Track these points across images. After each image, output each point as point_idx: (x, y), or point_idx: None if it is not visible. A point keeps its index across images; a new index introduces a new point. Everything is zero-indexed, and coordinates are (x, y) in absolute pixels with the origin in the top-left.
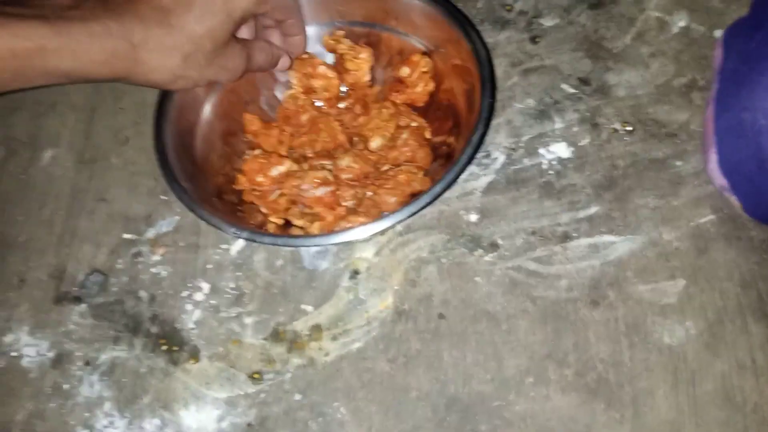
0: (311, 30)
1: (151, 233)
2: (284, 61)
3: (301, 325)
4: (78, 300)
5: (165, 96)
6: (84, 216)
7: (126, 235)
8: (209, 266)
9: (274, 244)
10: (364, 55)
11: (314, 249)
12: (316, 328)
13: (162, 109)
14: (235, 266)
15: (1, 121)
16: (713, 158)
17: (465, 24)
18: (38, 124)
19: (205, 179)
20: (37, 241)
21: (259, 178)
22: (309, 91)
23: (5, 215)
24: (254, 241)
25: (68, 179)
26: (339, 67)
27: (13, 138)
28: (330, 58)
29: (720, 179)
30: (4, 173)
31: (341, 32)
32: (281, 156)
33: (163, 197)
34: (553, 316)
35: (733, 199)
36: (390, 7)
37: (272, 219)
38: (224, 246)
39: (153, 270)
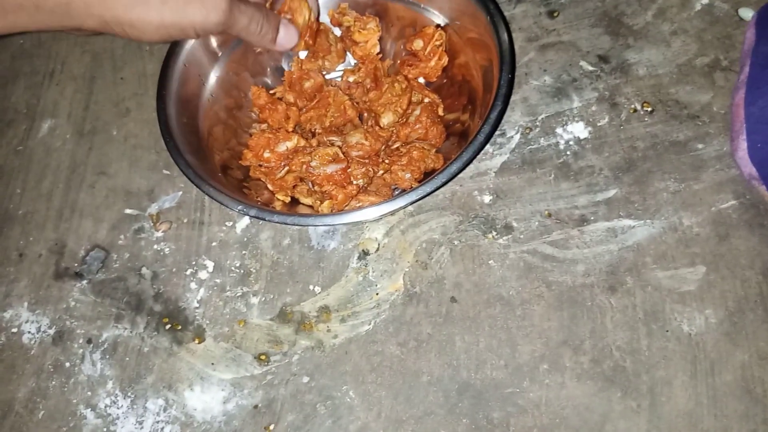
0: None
1: (153, 209)
2: (283, 39)
3: (308, 306)
4: (79, 276)
5: (168, 66)
6: (84, 190)
7: (127, 211)
8: (214, 244)
9: (282, 223)
10: (372, 25)
11: (322, 228)
12: (325, 310)
13: (165, 79)
14: (241, 244)
15: None
16: (743, 145)
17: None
18: (36, 94)
19: (209, 154)
20: (36, 215)
21: (266, 154)
22: (318, 55)
23: (3, 188)
24: (262, 219)
25: (67, 151)
26: (347, 40)
27: (10, 108)
28: (337, 33)
29: (749, 167)
30: (2, 145)
31: (345, 4)
32: (289, 131)
33: (165, 171)
34: (569, 302)
35: (762, 189)
36: None
37: (279, 196)
38: (229, 223)
39: (156, 247)
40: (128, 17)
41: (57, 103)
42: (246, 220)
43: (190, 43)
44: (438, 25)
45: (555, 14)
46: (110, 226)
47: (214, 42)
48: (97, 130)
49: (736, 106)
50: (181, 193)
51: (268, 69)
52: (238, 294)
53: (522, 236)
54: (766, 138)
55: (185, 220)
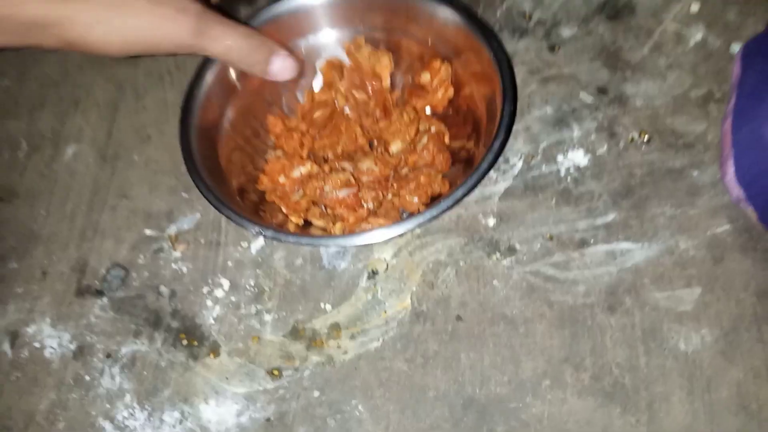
0: (332, 36)
1: (172, 230)
2: (278, 70)
3: (320, 324)
4: (99, 293)
5: (190, 97)
6: (106, 212)
7: (147, 231)
8: (229, 264)
9: (296, 243)
10: (385, 60)
11: (333, 249)
12: (335, 327)
13: (187, 109)
14: (255, 264)
15: (26, 117)
16: (730, 170)
17: (485, 32)
18: (61, 120)
19: (227, 178)
20: (60, 236)
21: (281, 179)
22: (332, 86)
23: (29, 209)
24: (277, 239)
25: (90, 175)
26: (359, 72)
27: (36, 134)
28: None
29: (737, 190)
30: (28, 168)
31: (362, 37)
32: (303, 158)
33: (184, 195)
34: (570, 321)
35: (750, 210)
36: (410, 14)
37: (293, 219)
38: (244, 244)
39: (174, 266)
40: (90, 39)
41: (81, 129)
42: (260, 241)
43: (211, 76)
44: (444, 59)
45: (556, 49)
46: (130, 246)
47: (233, 74)
48: (119, 156)
49: (724, 133)
50: (198, 215)
51: (284, 99)
52: (252, 312)
53: (525, 258)
54: (751, 161)
55: (202, 241)
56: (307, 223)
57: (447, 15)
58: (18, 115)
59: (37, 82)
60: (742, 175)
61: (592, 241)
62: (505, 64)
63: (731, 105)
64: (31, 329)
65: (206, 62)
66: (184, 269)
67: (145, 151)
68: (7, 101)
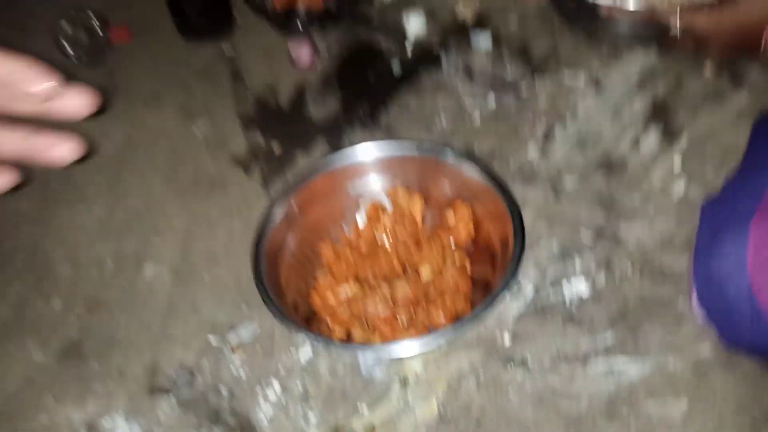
0: (376, 182)
1: (233, 339)
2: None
3: (357, 424)
4: (168, 392)
5: (262, 231)
6: (177, 322)
7: (212, 340)
8: (281, 369)
9: (343, 351)
10: (417, 202)
11: (371, 358)
12: (371, 428)
13: (259, 239)
14: (303, 370)
15: (113, 241)
16: (694, 296)
17: (498, 182)
18: (144, 242)
19: (285, 294)
20: (136, 341)
21: (330, 297)
22: (374, 223)
23: (111, 318)
24: (326, 348)
25: (165, 292)
26: (397, 212)
27: (122, 254)
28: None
29: (700, 314)
30: (113, 283)
31: (400, 186)
32: (348, 280)
33: (245, 310)
34: (575, 427)
35: (714, 332)
36: (438, 167)
37: (337, 331)
38: (294, 352)
39: (233, 370)
40: None
41: (160, 251)
42: (308, 350)
43: (279, 210)
44: (466, 203)
45: (560, 195)
46: (197, 352)
47: (295, 207)
48: (191, 275)
49: (689, 266)
50: (257, 327)
51: (333, 230)
52: (300, 412)
53: (536, 371)
54: (706, 290)
55: (258, 349)
56: (349, 336)
57: (468, 168)
58: (106, 238)
59: (124, 211)
60: (701, 301)
61: (593, 357)
62: (515, 209)
63: (694, 244)
64: (107, 423)
65: (276, 200)
66: (242, 373)
67: (213, 271)
68: (98, 227)
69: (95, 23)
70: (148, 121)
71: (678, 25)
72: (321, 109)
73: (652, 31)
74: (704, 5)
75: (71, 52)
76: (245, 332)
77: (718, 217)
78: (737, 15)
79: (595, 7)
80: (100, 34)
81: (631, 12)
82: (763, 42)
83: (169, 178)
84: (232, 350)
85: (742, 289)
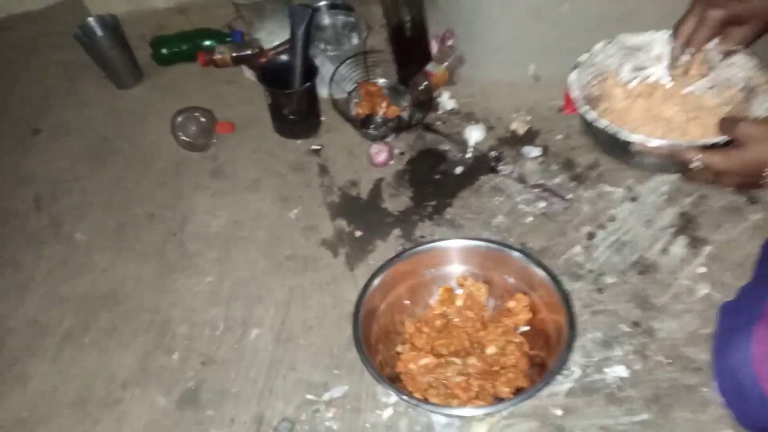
0: (450, 270)
1: (326, 397)
2: None
3: None
4: None
5: (359, 305)
6: (279, 379)
7: (308, 396)
8: (367, 425)
9: (432, 411)
10: (483, 289)
11: (444, 420)
12: None
13: (357, 313)
14: (386, 427)
15: (223, 306)
16: (716, 384)
17: (553, 276)
18: (249, 310)
19: (374, 358)
20: (244, 394)
21: (411, 365)
22: (447, 304)
23: (223, 373)
24: (415, 406)
25: (268, 352)
26: (466, 296)
27: (230, 319)
28: (460, 290)
29: (720, 398)
30: (224, 343)
31: (468, 275)
32: (427, 352)
33: (336, 372)
34: None
35: (732, 414)
36: (502, 260)
37: (416, 395)
38: (378, 411)
39: (327, 423)
40: None
41: (262, 318)
42: (390, 410)
43: (375, 284)
44: (524, 292)
45: (602, 291)
46: (296, 406)
47: (385, 285)
48: (290, 339)
49: (712, 360)
50: (347, 387)
51: (415, 309)
52: None
53: None
54: (725, 380)
55: (348, 407)
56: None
57: (525, 262)
58: (217, 304)
59: (231, 282)
60: (722, 390)
61: None
62: (567, 300)
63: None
64: None
65: (373, 277)
66: (334, 427)
67: (309, 337)
68: (209, 294)
69: (202, 117)
70: (250, 204)
71: (696, 162)
72: (395, 202)
73: (676, 164)
74: (717, 147)
75: (181, 138)
76: (336, 392)
77: (732, 318)
78: (744, 156)
79: (626, 144)
80: (206, 125)
81: (658, 147)
82: (764, 178)
83: (269, 255)
84: (326, 406)
85: (750, 379)
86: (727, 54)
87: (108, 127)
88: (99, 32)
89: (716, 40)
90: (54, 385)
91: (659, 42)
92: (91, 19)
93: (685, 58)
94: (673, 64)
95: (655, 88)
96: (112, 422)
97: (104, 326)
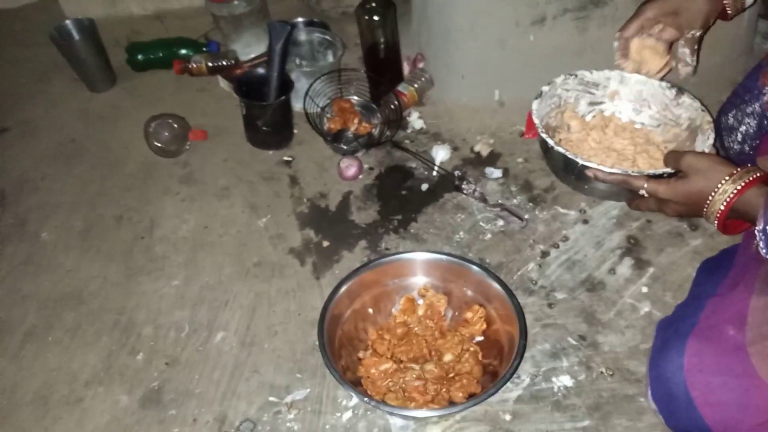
0: (412, 281)
1: (288, 399)
2: None
3: None
4: None
5: (324, 311)
6: (242, 381)
7: (270, 398)
8: (327, 427)
9: (389, 413)
10: (442, 300)
11: (400, 423)
12: None
13: (322, 319)
14: (345, 429)
15: (189, 309)
16: (650, 393)
17: (508, 290)
18: (215, 314)
19: (337, 364)
20: (208, 395)
21: (372, 370)
22: (408, 313)
23: (187, 374)
24: (377, 408)
25: (232, 355)
26: (426, 306)
27: (196, 322)
28: (421, 301)
29: (653, 406)
30: (187, 346)
31: (429, 287)
32: (387, 357)
33: (298, 375)
34: None
35: (663, 421)
36: (461, 273)
37: (375, 398)
38: (338, 414)
39: (288, 424)
40: None
41: (228, 322)
42: (349, 413)
43: (336, 300)
44: (481, 304)
45: (552, 306)
46: (258, 407)
47: (350, 293)
48: (254, 343)
49: (648, 367)
50: (308, 390)
51: (378, 316)
52: None
53: None
54: (656, 387)
55: (309, 409)
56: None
57: (483, 276)
58: (183, 308)
59: (199, 286)
60: (654, 397)
61: None
62: (521, 313)
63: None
64: None
65: (339, 285)
66: (295, 428)
67: (273, 342)
68: (175, 297)
69: (175, 123)
70: (219, 211)
71: (645, 190)
72: (363, 215)
73: (625, 191)
74: (663, 177)
75: (154, 144)
76: (298, 394)
77: (666, 333)
78: (687, 186)
79: (582, 170)
80: (179, 132)
81: (611, 175)
82: (705, 207)
83: (236, 261)
84: (288, 408)
85: (681, 387)
86: (667, 41)
87: (77, 129)
88: (76, 35)
89: (658, 28)
90: (15, 382)
91: (614, 80)
92: (68, 22)
93: (615, 43)
94: (617, 56)
95: (609, 123)
96: (72, 420)
97: (68, 325)
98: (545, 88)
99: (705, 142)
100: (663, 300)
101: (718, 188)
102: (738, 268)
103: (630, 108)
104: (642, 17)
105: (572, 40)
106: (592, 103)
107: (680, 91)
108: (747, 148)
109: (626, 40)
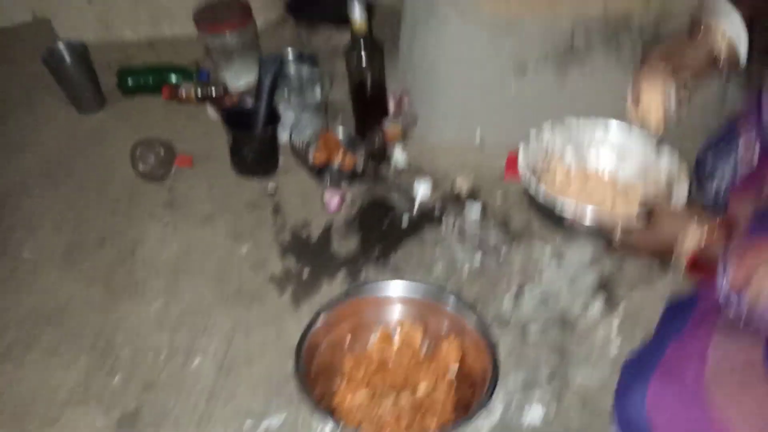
0: (389, 315)
1: (264, 424)
2: None
3: None
4: None
5: (302, 339)
6: (219, 406)
7: (248, 422)
8: None
9: None
10: (419, 332)
11: None
12: None
13: (300, 347)
14: None
15: (167, 333)
16: (615, 429)
17: (482, 325)
18: (193, 338)
19: (312, 389)
20: (184, 418)
21: (348, 398)
22: (385, 344)
23: (165, 397)
24: None
25: (210, 380)
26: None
27: (173, 346)
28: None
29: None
30: (166, 369)
31: (406, 318)
32: (363, 386)
33: (275, 401)
34: None
35: None
36: (439, 309)
37: (349, 426)
38: None
39: None
40: None
41: (206, 347)
42: None
43: (320, 323)
44: (457, 337)
45: (526, 339)
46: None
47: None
48: (231, 368)
49: (614, 405)
50: (285, 415)
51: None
52: None
53: None
54: (621, 423)
55: None
56: None
57: (459, 309)
58: (161, 331)
59: (179, 310)
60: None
61: None
62: (493, 348)
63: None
64: None
65: (317, 314)
66: None
67: (251, 368)
68: (155, 321)
69: (162, 148)
70: (202, 237)
71: (618, 237)
72: (343, 246)
73: (601, 237)
74: (635, 226)
75: (140, 168)
76: (274, 420)
77: (630, 373)
78: (656, 234)
79: (561, 218)
80: (166, 157)
81: (587, 225)
82: (673, 254)
83: (217, 287)
84: None
85: (642, 423)
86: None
87: (64, 149)
88: (67, 58)
89: (672, 89)
90: None
91: (600, 129)
92: (60, 45)
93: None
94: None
95: (591, 175)
96: None
97: (46, 345)
98: (532, 133)
99: (680, 193)
100: (633, 336)
101: (686, 234)
102: (700, 310)
103: (614, 157)
104: (650, 59)
105: (553, 91)
106: (577, 152)
107: (660, 141)
108: (722, 192)
109: (638, 86)
